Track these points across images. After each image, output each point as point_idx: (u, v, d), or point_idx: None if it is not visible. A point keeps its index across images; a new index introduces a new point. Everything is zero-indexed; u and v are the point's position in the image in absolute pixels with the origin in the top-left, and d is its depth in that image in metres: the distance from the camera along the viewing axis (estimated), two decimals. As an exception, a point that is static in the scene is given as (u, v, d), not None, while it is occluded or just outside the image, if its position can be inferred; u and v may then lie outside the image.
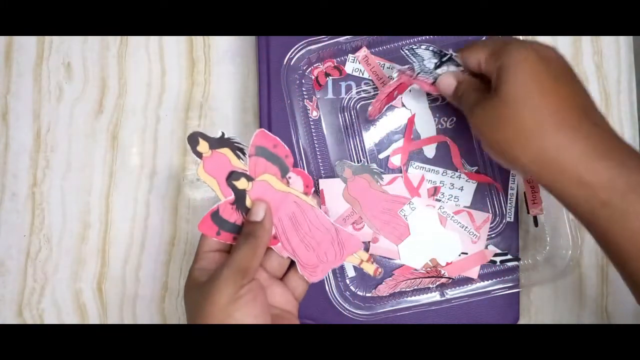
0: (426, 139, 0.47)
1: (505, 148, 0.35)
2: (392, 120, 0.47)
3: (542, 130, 0.34)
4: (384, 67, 0.47)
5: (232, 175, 0.41)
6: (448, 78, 0.41)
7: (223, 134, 0.41)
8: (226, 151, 0.41)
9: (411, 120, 0.47)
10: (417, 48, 0.42)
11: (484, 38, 0.43)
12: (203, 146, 0.41)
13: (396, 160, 0.47)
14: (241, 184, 0.41)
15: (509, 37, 0.40)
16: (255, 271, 0.39)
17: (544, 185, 0.36)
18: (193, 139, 0.40)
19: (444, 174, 0.47)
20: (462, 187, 0.47)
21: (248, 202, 0.41)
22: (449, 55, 0.41)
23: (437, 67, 0.42)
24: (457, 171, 0.47)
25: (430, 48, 0.42)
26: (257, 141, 0.42)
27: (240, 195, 0.41)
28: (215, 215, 0.41)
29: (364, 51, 0.47)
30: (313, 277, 0.43)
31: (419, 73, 0.42)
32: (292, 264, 0.43)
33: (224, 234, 0.41)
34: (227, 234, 0.41)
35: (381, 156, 0.47)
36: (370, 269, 0.45)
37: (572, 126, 0.34)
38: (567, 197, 0.35)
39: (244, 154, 0.41)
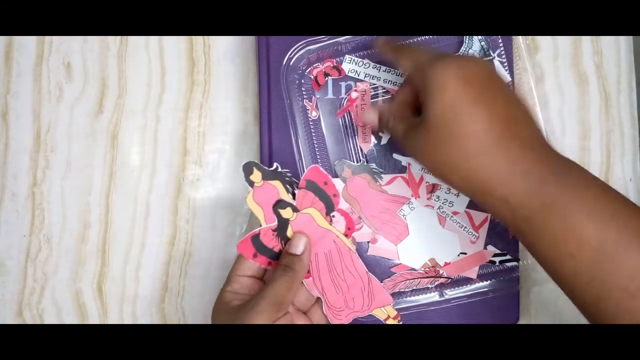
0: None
1: (438, 171, 0.38)
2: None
3: (466, 155, 0.35)
4: (380, 69, 0.47)
5: (279, 203, 0.42)
6: (369, 113, 0.43)
7: (277, 166, 0.42)
8: (277, 183, 0.42)
9: None
10: (475, 36, 0.44)
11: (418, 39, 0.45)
12: (256, 176, 0.42)
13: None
14: (286, 213, 0.42)
15: (433, 52, 0.40)
16: (289, 304, 0.40)
17: (477, 203, 0.38)
18: (247, 168, 0.42)
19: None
20: (458, 193, 0.47)
21: (289, 232, 0.42)
22: (489, 58, 0.42)
23: None
24: None
25: (482, 43, 0.43)
26: (309, 175, 0.43)
27: (283, 223, 0.42)
28: (255, 238, 0.42)
29: (365, 85, 0.47)
30: (337, 319, 0.43)
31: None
32: (317, 299, 0.44)
33: (260, 257, 0.42)
34: (264, 257, 0.42)
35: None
36: None
37: (493, 147, 0.35)
38: (496, 214, 0.37)
39: (293, 188, 0.42)
